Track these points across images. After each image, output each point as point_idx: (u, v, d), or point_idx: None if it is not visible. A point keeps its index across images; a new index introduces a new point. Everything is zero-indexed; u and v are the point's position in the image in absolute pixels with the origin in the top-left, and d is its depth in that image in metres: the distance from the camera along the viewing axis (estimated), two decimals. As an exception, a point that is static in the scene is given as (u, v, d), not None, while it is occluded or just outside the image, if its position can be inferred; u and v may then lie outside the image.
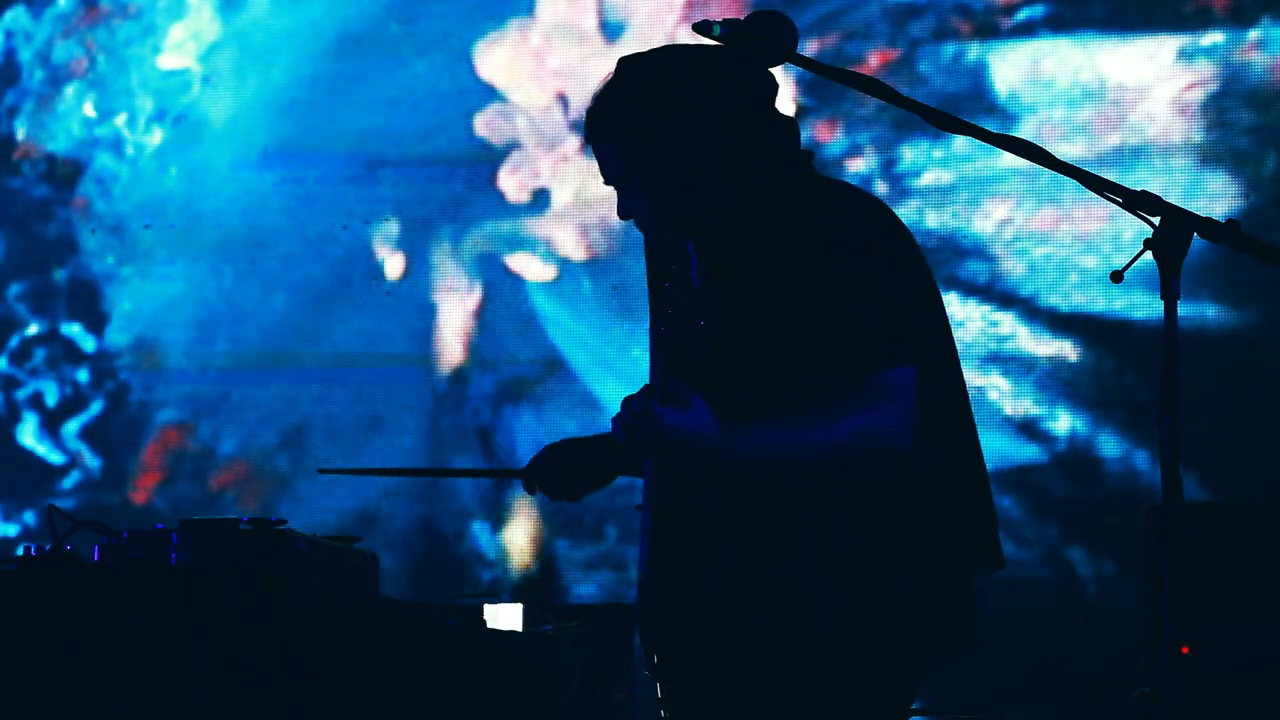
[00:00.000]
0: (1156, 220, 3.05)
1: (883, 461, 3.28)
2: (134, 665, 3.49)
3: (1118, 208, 3.09)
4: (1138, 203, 3.07)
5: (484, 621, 4.18)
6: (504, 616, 4.21)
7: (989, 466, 3.45)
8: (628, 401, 3.30)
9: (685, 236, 3.44)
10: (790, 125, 3.46)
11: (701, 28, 3.30)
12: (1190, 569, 3.05)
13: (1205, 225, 3.04)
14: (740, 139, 3.39)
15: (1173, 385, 3.01)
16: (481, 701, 3.90)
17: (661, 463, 3.39)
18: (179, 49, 7.16)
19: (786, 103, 5.70)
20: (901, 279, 3.34)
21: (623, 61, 3.46)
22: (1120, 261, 3.13)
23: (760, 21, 3.32)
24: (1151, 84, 6.63)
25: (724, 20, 3.31)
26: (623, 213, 3.46)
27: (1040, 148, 3.17)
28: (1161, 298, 3.03)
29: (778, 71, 3.43)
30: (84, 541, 3.76)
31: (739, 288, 3.32)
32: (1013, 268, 6.68)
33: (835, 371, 3.27)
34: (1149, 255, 3.06)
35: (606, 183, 3.47)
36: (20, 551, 3.73)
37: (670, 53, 3.46)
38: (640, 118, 3.39)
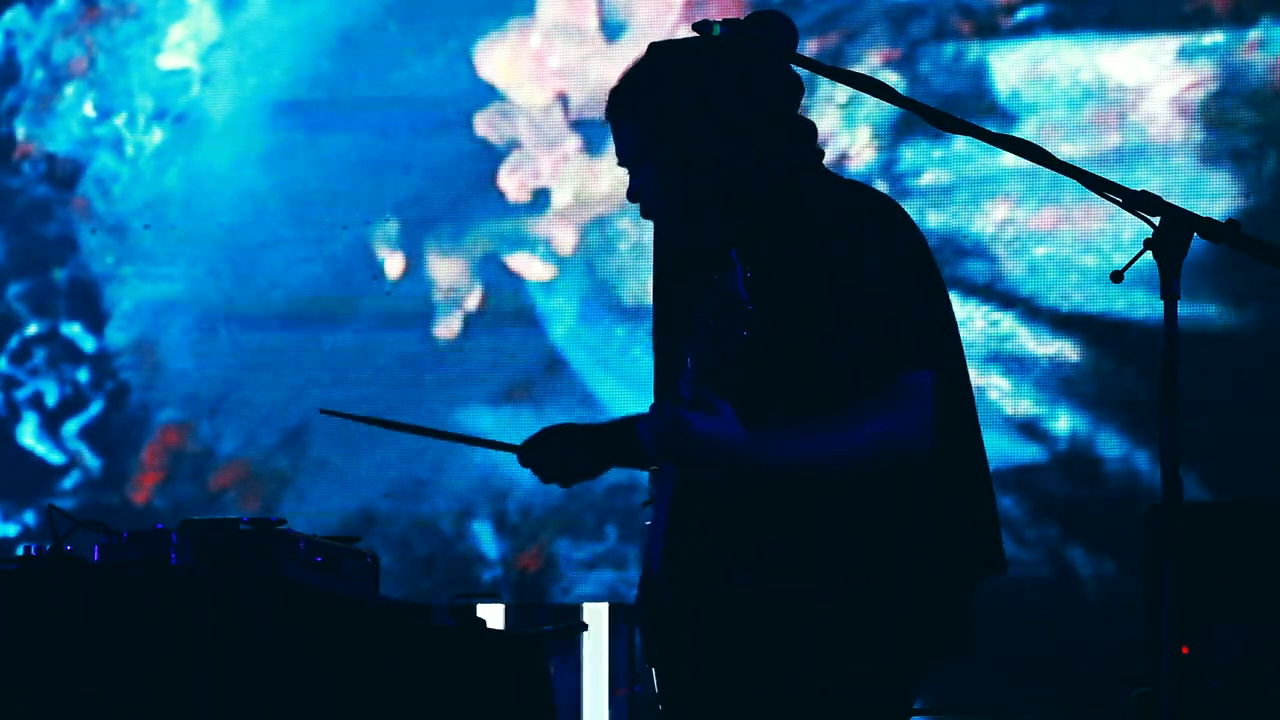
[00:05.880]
0: (1156, 220, 3.05)
1: (901, 465, 3.29)
2: (134, 665, 3.49)
3: (1118, 208, 3.09)
4: (1138, 203, 3.07)
5: (484, 621, 4.19)
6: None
7: (989, 466, 3.45)
8: (657, 407, 3.30)
9: (692, 226, 3.43)
10: (810, 128, 3.47)
11: (701, 27, 3.30)
12: (1190, 569, 3.05)
13: (1205, 225, 3.04)
14: (762, 136, 3.39)
15: (1173, 385, 3.01)
16: (481, 701, 3.90)
17: (686, 467, 3.38)
18: (179, 49, 7.15)
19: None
20: (919, 280, 3.35)
21: (654, 45, 3.46)
22: (1120, 261, 3.13)
23: (760, 21, 3.32)
24: (1152, 84, 6.63)
25: (724, 20, 3.31)
26: (632, 195, 3.46)
27: (1040, 148, 3.17)
28: (1161, 297, 3.04)
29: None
30: (84, 541, 3.76)
31: (780, 297, 3.32)
32: (1013, 268, 6.67)
33: (859, 375, 3.27)
34: (1149, 255, 3.06)
35: (621, 163, 3.47)
36: (20, 551, 3.73)
37: (703, 43, 3.44)
38: (664, 101, 3.38)
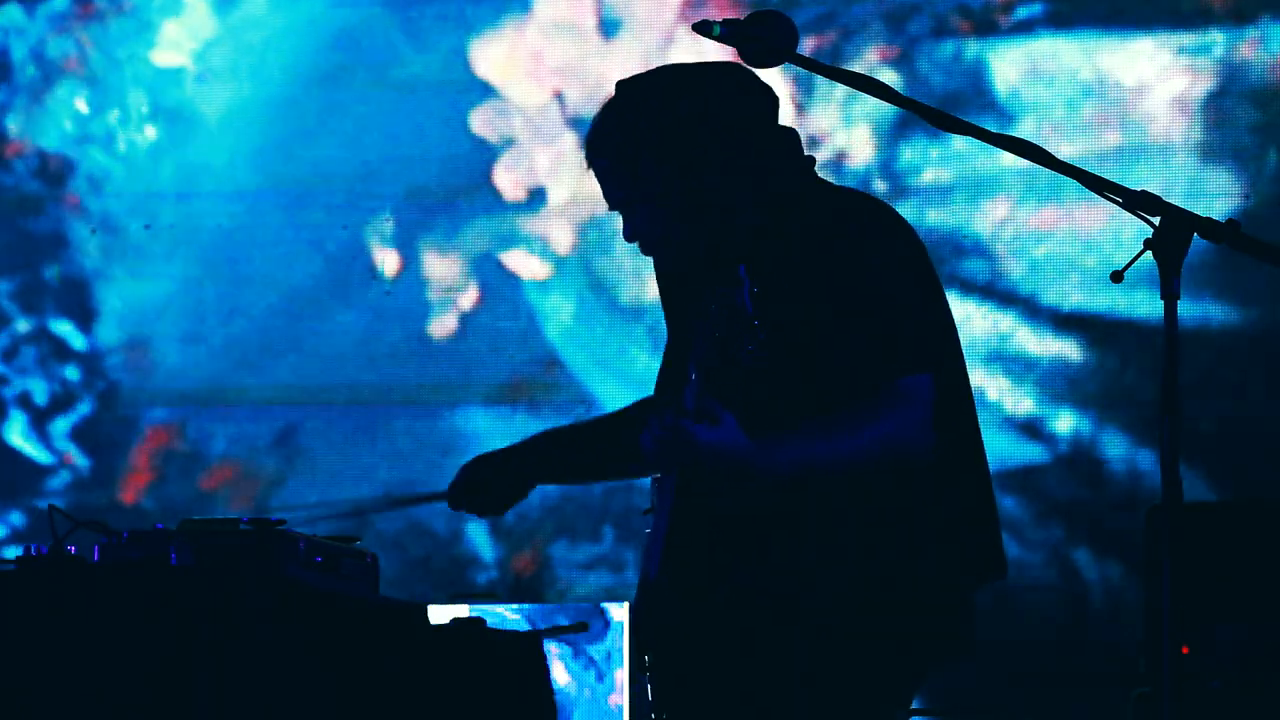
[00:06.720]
0: (1156, 220, 3.06)
1: (901, 467, 3.29)
2: (134, 665, 3.48)
3: (1118, 208, 3.10)
4: (1138, 202, 3.08)
5: (483, 621, 4.18)
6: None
7: (991, 467, 3.46)
8: (658, 417, 3.30)
9: (692, 257, 3.43)
10: (792, 136, 3.46)
11: (701, 28, 3.30)
12: (1190, 569, 3.05)
13: (1205, 225, 3.05)
14: (744, 155, 3.38)
15: (1173, 385, 3.01)
16: (481, 701, 3.90)
17: (689, 476, 3.38)
18: (173, 46, 7.14)
19: (784, 102, 5.71)
20: (919, 280, 3.36)
21: (621, 84, 3.45)
22: (1120, 261, 3.13)
23: (760, 21, 3.32)
24: (1151, 82, 6.63)
25: (723, 20, 3.31)
26: (629, 235, 3.45)
27: (1040, 147, 3.17)
28: (1162, 297, 3.04)
29: (775, 72, 3.43)
30: (84, 541, 3.75)
31: (781, 299, 3.32)
32: (1013, 267, 6.67)
33: (859, 376, 3.28)
34: (1149, 255, 3.06)
35: (611, 208, 3.46)
36: (20, 551, 3.72)
37: (667, 73, 3.46)
38: (640, 139, 3.37)
